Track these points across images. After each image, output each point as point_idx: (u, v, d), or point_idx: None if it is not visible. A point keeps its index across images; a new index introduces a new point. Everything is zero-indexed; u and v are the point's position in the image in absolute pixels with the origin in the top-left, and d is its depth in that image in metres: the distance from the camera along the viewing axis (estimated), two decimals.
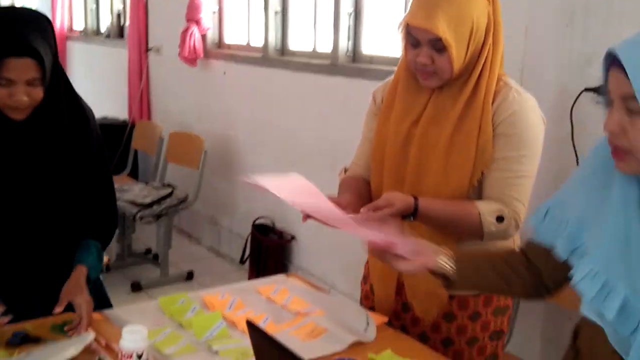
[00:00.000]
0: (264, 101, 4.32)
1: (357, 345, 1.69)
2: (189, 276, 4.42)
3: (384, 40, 3.63)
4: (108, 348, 1.62)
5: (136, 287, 4.20)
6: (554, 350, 2.53)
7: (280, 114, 4.21)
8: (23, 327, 1.70)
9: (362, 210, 1.62)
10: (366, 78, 3.44)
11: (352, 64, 3.72)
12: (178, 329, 1.77)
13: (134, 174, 5.33)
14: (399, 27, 1.75)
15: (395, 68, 1.88)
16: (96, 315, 1.80)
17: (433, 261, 1.47)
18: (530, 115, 1.73)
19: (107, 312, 1.84)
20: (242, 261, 4.41)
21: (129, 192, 4.32)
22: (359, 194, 1.86)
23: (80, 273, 1.85)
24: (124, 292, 4.14)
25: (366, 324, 1.77)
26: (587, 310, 1.24)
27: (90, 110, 1.95)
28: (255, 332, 1.24)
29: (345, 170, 2.03)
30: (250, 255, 4.31)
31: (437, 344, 1.84)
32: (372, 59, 3.67)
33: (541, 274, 1.48)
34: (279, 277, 2.15)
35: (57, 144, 1.82)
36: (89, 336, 1.54)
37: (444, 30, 1.64)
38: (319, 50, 4.01)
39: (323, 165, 3.86)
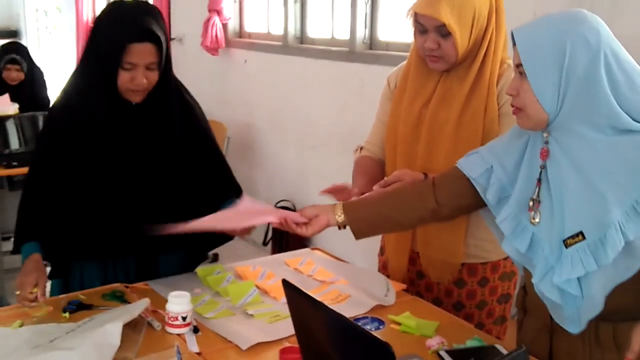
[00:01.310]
0: (284, 88, 4.48)
1: (379, 308, 1.86)
2: (214, 258, 4.60)
3: (400, 27, 3.77)
4: (155, 313, 1.79)
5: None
6: None
7: (299, 101, 4.37)
8: (77, 296, 1.89)
9: (374, 187, 1.81)
10: (382, 64, 3.59)
11: (368, 51, 3.87)
12: (215, 296, 1.95)
13: None
14: (407, 15, 1.90)
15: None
16: (141, 286, 1.99)
17: (327, 219, 1.74)
18: None
19: (151, 282, 2.02)
20: (264, 243, 4.59)
21: None
22: (371, 176, 2.00)
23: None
24: None
25: (386, 290, 1.93)
26: (505, 247, 1.58)
27: (195, 101, 2.11)
28: (290, 290, 1.40)
29: (360, 149, 2.16)
30: (273, 237, 4.49)
31: (449, 308, 2.00)
32: (388, 46, 3.81)
33: (441, 201, 1.70)
34: (305, 251, 2.32)
35: (168, 125, 1.96)
36: (145, 302, 1.72)
37: (447, 17, 1.78)
38: (337, 37, 4.16)
39: (340, 150, 4.03)
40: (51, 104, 2.08)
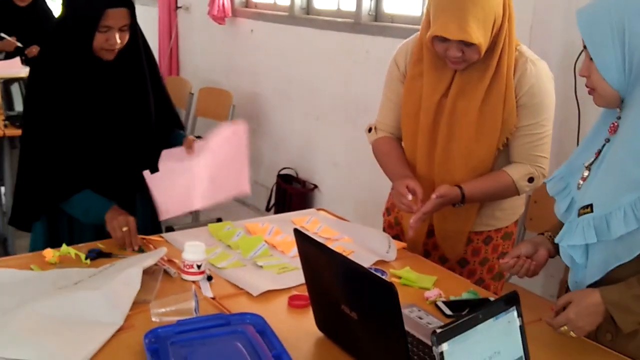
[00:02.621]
0: (290, 58, 4.56)
1: (380, 263, 1.98)
2: (218, 222, 4.71)
3: (405, 0, 3.85)
4: (170, 262, 1.91)
5: (170, 230, 4.48)
6: (554, 285, 2.81)
7: (305, 71, 4.45)
8: (96, 245, 2.00)
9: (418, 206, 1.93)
10: (387, 36, 3.68)
11: (374, 23, 3.95)
12: (227, 249, 2.06)
13: None
14: (428, 37, 1.89)
15: (415, 27, 2.11)
16: (157, 238, 2.10)
17: (547, 250, 1.78)
18: (546, 84, 1.96)
19: (166, 235, 2.13)
20: (267, 209, 4.70)
21: None
22: (404, 161, 2.11)
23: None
24: None
25: (388, 247, 2.05)
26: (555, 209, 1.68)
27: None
28: (302, 238, 1.52)
29: (372, 129, 2.21)
30: (275, 203, 4.61)
31: (454, 265, 2.14)
32: (393, 18, 3.89)
33: None
34: (311, 211, 2.44)
35: (139, 79, 2.14)
36: (162, 251, 1.84)
37: (477, 36, 1.83)
38: (343, 9, 4.23)
39: (345, 119, 4.13)
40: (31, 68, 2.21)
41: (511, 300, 1.33)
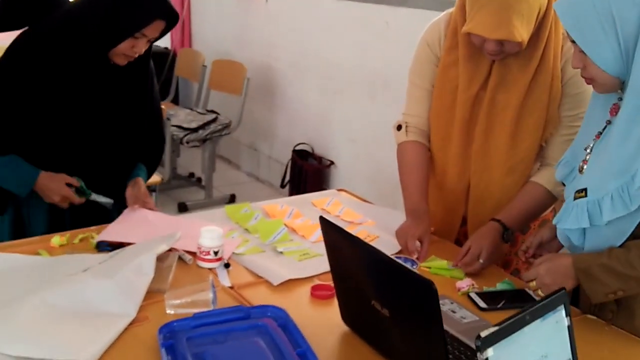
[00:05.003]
0: (306, 30, 4.42)
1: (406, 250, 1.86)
2: (232, 199, 4.63)
3: None
4: (186, 250, 1.80)
5: (182, 208, 4.42)
6: None
7: (321, 43, 4.31)
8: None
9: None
10: (408, 6, 3.53)
11: None
12: (244, 233, 1.95)
13: (176, 101, 5.50)
14: (463, 31, 1.73)
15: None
16: None
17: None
18: None
19: (180, 217, 2.03)
20: (282, 185, 4.60)
21: (176, 117, 4.50)
22: (424, 188, 1.95)
23: (142, 182, 2.10)
24: (172, 211, 4.36)
25: None
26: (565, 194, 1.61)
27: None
28: (328, 226, 1.40)
29: (401, 127, 2.00)
30: (290, 179, 4.50)
31: (510, 255, 1.99)
32: None
33: None
34: (331, 192, 2.32)
35: (134, 91, 2.03)
36: (177, 235, 1.73)
37: (520, 33, 1.65)
38: None
39: (363, 94, 3.99)
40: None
41: (559, 298, 1.22)
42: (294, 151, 4.46)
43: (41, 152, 1.95)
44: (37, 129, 1.93)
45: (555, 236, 1.71)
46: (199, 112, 4.64)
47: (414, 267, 1.72)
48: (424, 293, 1.14)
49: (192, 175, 5.00)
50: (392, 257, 1.74)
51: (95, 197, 2.00)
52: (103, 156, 2.03)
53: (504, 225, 1.83)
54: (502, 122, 1.83)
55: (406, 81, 2.03)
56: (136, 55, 1.92)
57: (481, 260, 1.75)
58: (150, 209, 2.04)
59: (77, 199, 1.98)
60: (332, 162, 4.32)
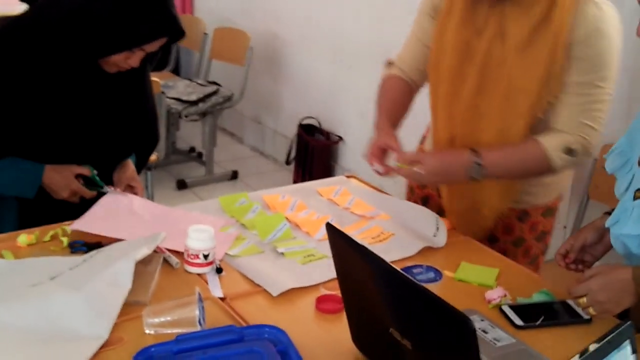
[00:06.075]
0: None
1: (428, 251, 1.62)
2: (234, 175, 4.39)
3: None
4: (172, 250, 1.57)
5: (182, 185, 4.18)
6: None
7: (329, 11, 4.02)
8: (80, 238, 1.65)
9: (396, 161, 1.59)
10: None
11: None
12: (241, 229, 1.71)
13: (176, 71, 5.23)
14: None
15: None
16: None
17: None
18: (610, 33, 1.53)
19: (171, 209, 1.79)
20: (287, 162, 4.35)
21: (174, 88, 4.24)
22: (399, 104, 1.81)
23: (131, 164, 1.89)
24: (170, 188, 4.13)
25: (436, 228, 1.69)
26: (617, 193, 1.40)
27: None
28: (335, 234, 1.17)
29: (390, 63, 1.90)
30: (296, 155, 4.25)
31: (507, 245, 1.79)
32: None
33: None
34: (339, 179, 2.07)
35: (134, 85, 1.82)
36: (160, 235, 1.49)
37: None
38: None
39: (374, 66, 3.70)
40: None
41: (624, 333, 0.99)
42: (300, 126, 4.20)
43: (32, 153, 1.72)
44: (24, 130, 1.69)
45: (601, 239, 1.49)
46: (199, 84, 4.37)
47: (438, 278, 1.47)
48: (458, 330, 0.91)
49: (192, 149, 4.74)
50: (412, 264, 1.54)
51: (107, 189, 1.77)
52: (94, 156, 1.80)
53: (479, 157, 1.56)
54: (496, 79, 1.59)
55: None
56: (129, 68, 1.69)
57: (415, 169, 1.56)
58: (135, 194, 1.81)
59: (89, 193, 1.75)
60: (340, 138, 4.07)
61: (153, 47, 1.66)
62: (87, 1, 1.58)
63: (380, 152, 1.64)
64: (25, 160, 1.70)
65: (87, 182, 1.76)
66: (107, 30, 1.59)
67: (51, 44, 1.62)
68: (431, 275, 1.45)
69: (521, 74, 1.56)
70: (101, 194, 1.75)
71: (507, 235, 1.79)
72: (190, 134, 4.81)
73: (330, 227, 1.16)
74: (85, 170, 1.75)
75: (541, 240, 1.83)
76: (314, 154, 4.08)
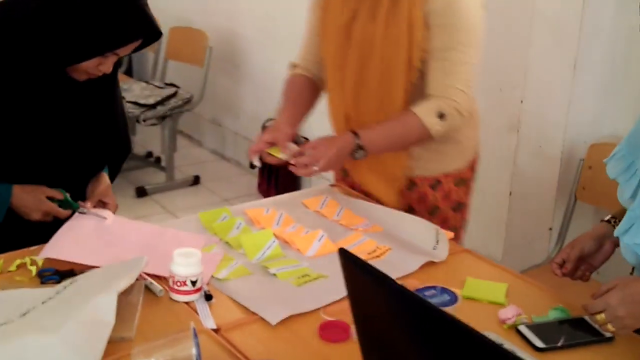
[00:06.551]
0: None
1: (427, 267, 1.52)
2: (196, 180, 4.23)
3: None
4: (154, 275, 1.43)
5: (141, 193, 4.00)
6: None
7: (292, 7, 3.89)
8: (49, 264, 1.48)
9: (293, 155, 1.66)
10: None
11: None
12: (225, 248, 1.58)
13: (129, 72, 5.02)
14: None
15: None
16: None
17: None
18: (467, 2, 1.65)
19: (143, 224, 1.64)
20: (252, 166, 4.19)
21: (130, 91, 4.05)
22: (305, 100, 1.87)
23: (105, 178, 1.76)
24: (129, 196, 3.94)
25: (435, 240, 1.59)
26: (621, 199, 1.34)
27: None
28: (348, 260, 1.04)
29: (294, 66, 1.93)
30: (261, 159, 4.10)
31: (423, 214, 1.81)
32: None
33: None
34: (324, 189, 1.94)
35: (94, 106, 1.66)
36: (142, 260, 1.35)
37: None
38: None
39: None
40: None
41: None
42: (264, 128, 4.06)
43: None
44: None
45: (600, 248, 1.43)
46: (156, 86, 4.19)
47: (454, 301, 1.35)
48: None
49: (149, 154, 4.56)
50: (423, 287, 1.42)
51: (83, 209, 1.62)
52: (66, 171, 1.66)
53: (359, 141, 1.66)
54: (371, 57, 1.70)
55: None
56: (100, 74, 1.54)
57: (315, 168, 1.64)
58: (108, 209, 1.66)
59: (63, 212, 1.60)
60: (306, 139, 3.94)
61: (127, 50, 1.52)
62: (55, 1, 1.43)
63: (265, 147, 1.70)
64: None
65: (61, 202, 1.60)
66: (77, 34, 1.43)
67: (14, 50, 1.46)
68: (446, 297, 1.33)
69: (390, 47, 1.67)
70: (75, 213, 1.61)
71: (422, 204, 1.83)
72: (147, 138, 4.62)
73: (343, 253, 1.04)
74: (56, 194, 1.59)
75: (458, 211, 1.87)
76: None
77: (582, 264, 1.45)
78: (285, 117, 1.80)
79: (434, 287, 1.36)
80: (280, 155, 1.69)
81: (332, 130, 1.88)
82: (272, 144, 1.70)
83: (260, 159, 1.73)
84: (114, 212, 1.67)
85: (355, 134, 1.67)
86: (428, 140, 1.72)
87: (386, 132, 1.71)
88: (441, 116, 1.67)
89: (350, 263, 1.03)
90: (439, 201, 1.83)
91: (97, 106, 1.65)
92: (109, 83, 1.65)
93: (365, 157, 1.68)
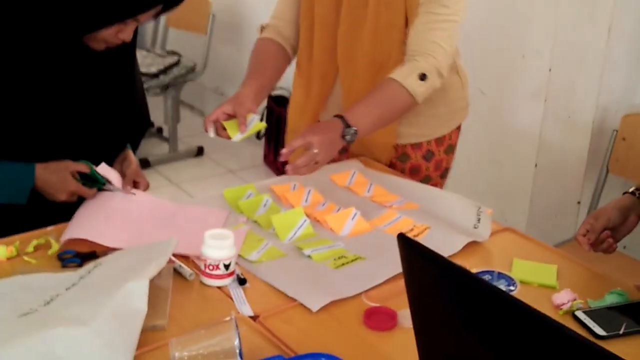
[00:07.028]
0: None
1: (469, 247, 1.43)
2: (199, 151, 4.13)
3: None
4: (181, 256, 1.34)
5: (145, 164, 3.89)
6: None
7: None
8: (67, 248, 1.39)
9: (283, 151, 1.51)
10: None
11: None
12: (254, 227, 1.49)
13: None
14: None
15: None
16: None
17: None
18: None
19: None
20: (258, 136, 4.10)
21: None
22: (271, 71, 1.80)
23: (133, 157, 1.69)
24: None
25: (477, 219, 1.51)
26: None
27: None
28: (408, 247, 0.95)
29: (263, 27, 1.86)
30: (267, 129, 4.00)
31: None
32: None
33: None
34: (351, 163, 1.84)
35: (112, 77, 1.55)
36: (172, 242, 1.25)
37: None
38: None
39: None
40: None
41: None
42: (271, 97, 3.95)
43: (16, 148, 1.45)
44: (4, 121, 1.43)
45: (625, 221, 1.36)
46: (158, 54, 4.06)
47: (512, 287, 1.27)
48: None
49: (151, 125, 4.44)
50: (480, 274, 1.34)
51: (110, 186, 1.52)
52: (87, 147, 1.55)
53: (346, 122, 1.56)
54: (364, 19, 1.68)
55: None
56: (120, 43, 1.43)
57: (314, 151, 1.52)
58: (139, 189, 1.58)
59: (90, 192, 1.49)
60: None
61: (147, 16, 1.41)
62: None
63: (223, 118, 1.58)
64: (10, 162, 1.43)
65: (85, 179, 1.50)
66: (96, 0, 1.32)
67: (29, 18, 1.35)
68: (504, 283, 1.25)
69: (383, 5, 1.65)
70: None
71: (416, 176, 1.84)
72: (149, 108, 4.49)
73: (402, 238, 0.95)
74: (82, 167, 1.49)
75: (444, 177, 1.91)
76: (287, 127, 3.84)
77: (606, 236, 1.37)
78: (250, 90, 1.68)
79: (490, 272, 1.28)
80: (233, 136, 1.58)
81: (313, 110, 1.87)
82: (231, 116, 1.59)
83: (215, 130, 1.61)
84: (144, 191, 1.57)
85: (339, 117, 1.58)
86: (415, 104, 1.66)
87: (370, 106, 1.62)
88: (422, 77, 1.62)
89: (413, 251, 0.94)
90: (430, 171, 1.86)
91: (116, 77, 1.54)
92: (128, 53, 1.55)
93: (357, 136, 1.58)
